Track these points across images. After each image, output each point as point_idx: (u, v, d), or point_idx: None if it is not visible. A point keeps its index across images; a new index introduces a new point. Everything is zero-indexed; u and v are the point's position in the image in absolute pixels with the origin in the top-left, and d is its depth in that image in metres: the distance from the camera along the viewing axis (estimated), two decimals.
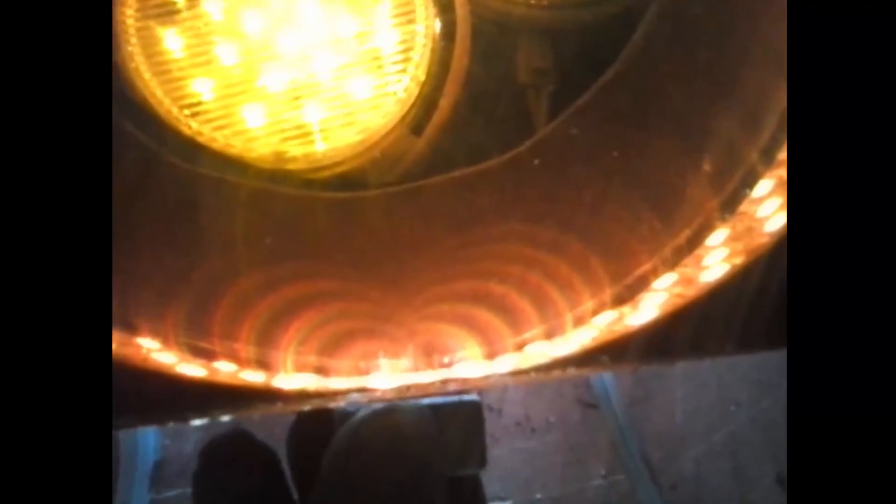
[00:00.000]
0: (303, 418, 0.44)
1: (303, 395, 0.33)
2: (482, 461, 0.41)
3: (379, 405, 0.36)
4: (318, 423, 0.40)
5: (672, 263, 0.44)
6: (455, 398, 0.40)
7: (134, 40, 0.44)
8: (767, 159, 0.44)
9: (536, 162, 0.43)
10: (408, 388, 0.34)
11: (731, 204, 0.44)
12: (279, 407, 0.32)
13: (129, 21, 0.44)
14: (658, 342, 0.35)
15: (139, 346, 0.37)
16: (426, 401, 0.38)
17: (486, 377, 0.35)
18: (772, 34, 0.44)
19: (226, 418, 0.32)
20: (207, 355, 0.39)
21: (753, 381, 1.06)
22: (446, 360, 0.38)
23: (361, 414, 0.37)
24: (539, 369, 0.34)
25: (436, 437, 0.37)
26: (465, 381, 0.35)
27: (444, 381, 0.34)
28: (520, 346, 0.42)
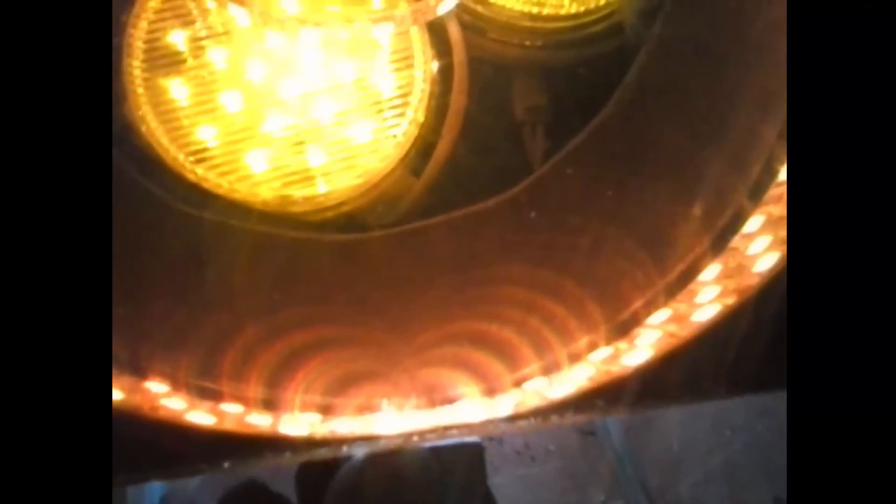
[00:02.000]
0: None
1: (310, 444, 0.34)
2: (485, 501, 0.42)
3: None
4: (323, 463, 0.41)
5: (665, 299, 0.45)
6: (456, 440, 0.40)
7: (141, 90, 0.45)
8: (756, 197, 0.46)
9: (533, 214, 0.44)
10: (411, 435, 0.35)
11: (721, 240, 0.45)
12: (287, 457, 0.33)
13: (136, 72, 0.45)
14: (652, 385, 0.36)
15: (148, 392, 0.38)
16: (428, 444, 0.39)
17: (487, 422, 0.36)
18: (760, 79, 0.46)
19: (235, 469, 0.33)
20: (215, 397, 0.39)
21: (748, 407, 1.06)
22: (447, 400, 0.39)
23: (362, 456, 0.38)
24: (538, 414, 0.35)
25: (437, 480, 0.38)
26: (467, 426, 0.36)
27: (447, 428, 0.35)
28: (518, 383, 0.43)
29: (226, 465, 0.32)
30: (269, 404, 0.39)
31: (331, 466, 0.40)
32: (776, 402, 0.92)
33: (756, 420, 1.04)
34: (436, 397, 0.40)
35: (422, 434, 0.34)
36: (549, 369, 0.43)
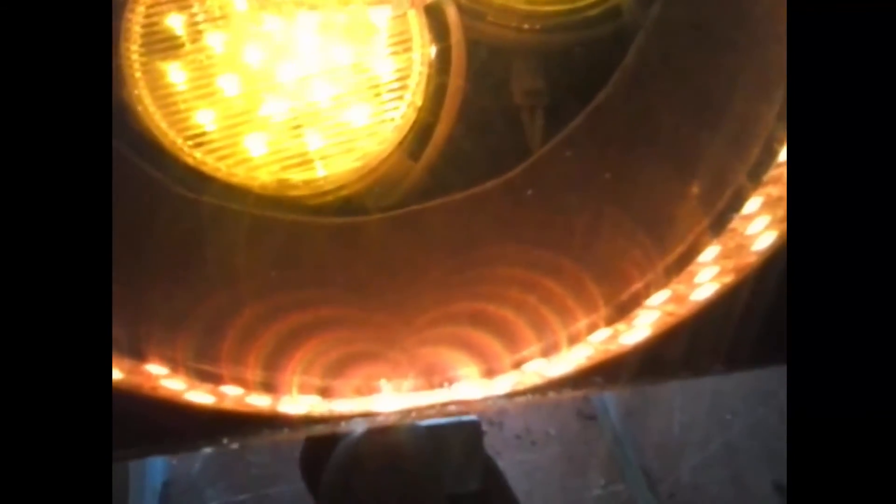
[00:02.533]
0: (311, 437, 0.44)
1: (308, 420, 0.34)
2: (481, 479, 0.42)
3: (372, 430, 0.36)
4: (325, 441, 0.41)
5: (665, 280, 0.45)
6: (454, 419, 0.41)
7: (138, 74, 0.45)
8: (755, 179, 0.45)
9: (530, 192, 0.44)
10: (409, 411, 0.35)
11: (720, 222, 0.45)
12: (285, 433, 0.33)
13: (134, 56, 0.45)
14: (650, 362, 0.37)
15: (148, 374, 0.38)
16: (425, 421, 0.39)
17: (485, 399, 0.36)
18: (760, 60, 0.46)
19: (234, 446, 0.34)
20: (215, 380, 0.40)
21: (748, 390, 1.06)
22: (446, 381, 0.39)
23: (359, 432, 0.38)
24: (536, 391, 0.35)
25: (432, 457, 0.38)
26: (465, 403, 0.36)
27: (445, 405, 0.35)
28: (518, 365, 0.43)
29: (224, 441, 0.33)
30: (268, 386, 0.39)
31: (332, 447, 0.40)
32: (777, 386, 0.93)
33: (757, 404, 1.05)
34: (434, 379, 0.41)
35: (420, 410, 0.35)
36: (548, 350, 0.43)
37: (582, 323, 0.44)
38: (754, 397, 1.05)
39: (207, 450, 0.33)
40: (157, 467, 1.08)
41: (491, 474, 0.46)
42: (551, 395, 0.35)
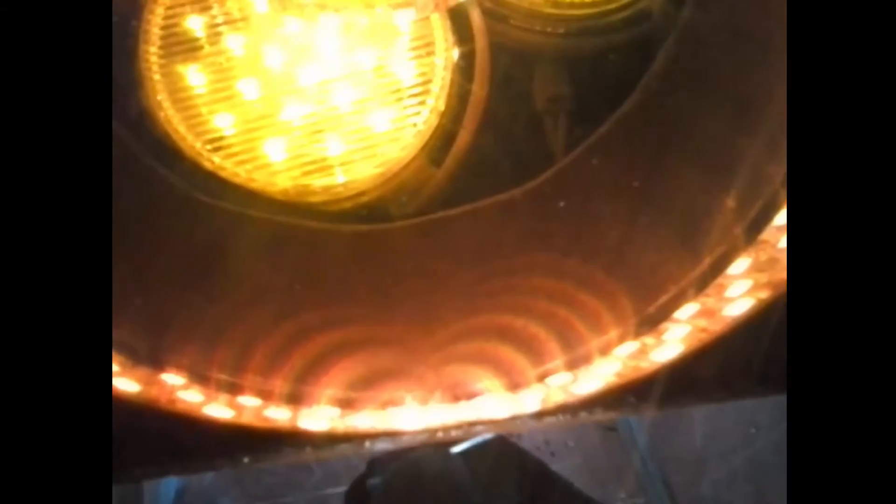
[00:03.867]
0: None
1: (331, 438, 0.33)
2: (518, 488, 0.41)
3: (404, 463, 0.36)
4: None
5: (694, 292, 0.44)
6: (478, 440, 0.40)
7: (157, 77, 0.44)
8: (786, 189, 0.44)
9: (562, 204, 0.43)
10: (435, 431, 0.34)
11: (751, 232, 0.44)
12: (308, 452, 0.32)
13: (153, 59, 0.45)
14: (683, 380, 0.35)
15: (165, 385, 0.37)
16: (454, 449, 0.38)
17: (514, 418, 0.35)
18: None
19: (255, 464, 0.32)
20: (233, 390, 0.39)
21: (773, 404, 1.04)
22: (470, 395, 0.37)
23: (388, 475, 0.37)
24: (565, 409, 0.34)
25: (465, 482, 0.37)
26: (492, 422, 0.35)
27: (472, 424, 0.34)
28: (542, 378, 0.42)
29: (245, 460, 0.32)
30: (289, 398, 0.38)
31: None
32: None
33: (781, 418, 1.02)
34: (459, 392, 0.39)
35: (446, 430, 0.33)
36: (575, 364, 0.42)
37: (609, 335, 0.43)
38: (779, 411, 1.03)
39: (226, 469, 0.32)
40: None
41: (543, 478, 0.45)
42: (583, 415, 0.33)
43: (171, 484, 1.05)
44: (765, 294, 0.38)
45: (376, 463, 0.48)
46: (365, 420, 0.35)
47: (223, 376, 0.39)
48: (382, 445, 0.32)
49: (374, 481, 0.46)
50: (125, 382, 0.34)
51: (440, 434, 0.33)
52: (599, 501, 0.47)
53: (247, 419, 0.34)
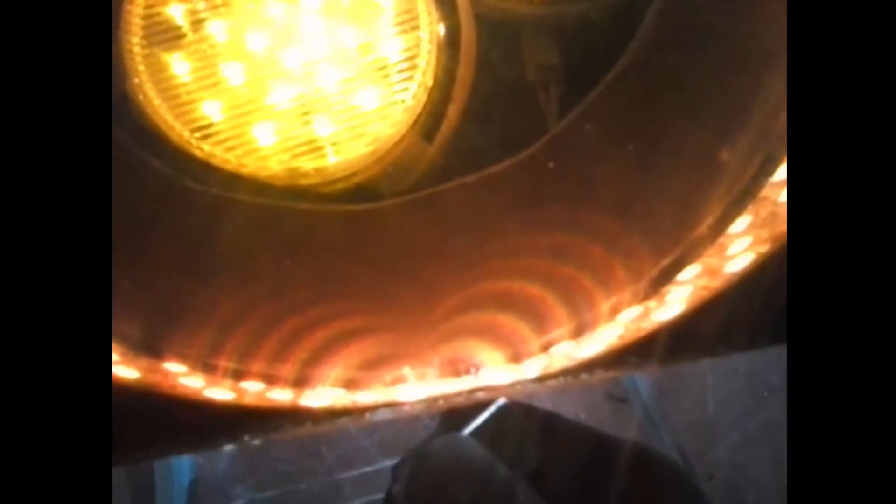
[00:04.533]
0: None
1: (331, 413, 0.33)
2: (537, 446, 0.41)
3: (417, 461, 0.35)
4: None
5: (695, 254, 0.43)
6: (486, 415, 0.39)
7: (142, 67, 0.44)
8: (784, 145, 0.43)
9: (551, 165, 0.42)
10: (436, 399, 0.34)
11: (751, 189, 0.43)
12: (308, 427, 0.32)
13: (136, 49, 0.44)
14: (685, 337, 0.35)
15: (166, 372, 0.37)
16: (466, 431, 0.38)
17: (514, 383, 0.34)
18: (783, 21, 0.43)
19: (256, 442, 0.32)
20: (234, 375, 0.39)
21: (785, 365, 1.03)
22: (472, 367, 0.37)
23: (406, 478, 0.37)
24: (566, 373, 0.34)
25: (483, 460, 0.37)
26: (492, 388, 0.34)
27: (472, 391, 0.34)
28: (545, 348, 0.41)
29: (246, 438, 0.31)
30: (288, 380, 0.38)
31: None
32: None
33: None
34: (460, 366, 0.39)
35: (447, 398, 0.33)
36: (578, 331, 0.42)
37: (612, 301, 0.42)
38: None
39: (229, 447, 0.32)
40: (183, 466, 1.08)
41: (557, 429, 0.45)
42: (583, 377, 0.33)
43: (184, 473, 1.05)
44: (764, 248, 0.38)
45: (396, 469, 0.49)
46: (366, 395, 0.35)
47: (222, 362, 0.38)
48: (383, 416, 0.32)
49: (396, 488, 0.46)
50: (125, 370, 0.34)
51: (441, 402, 0.33)
52: (615, 435, 0.47)
53: (248, 400, 0.34)
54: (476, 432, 0.46)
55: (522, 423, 0.42)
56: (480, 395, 0.34)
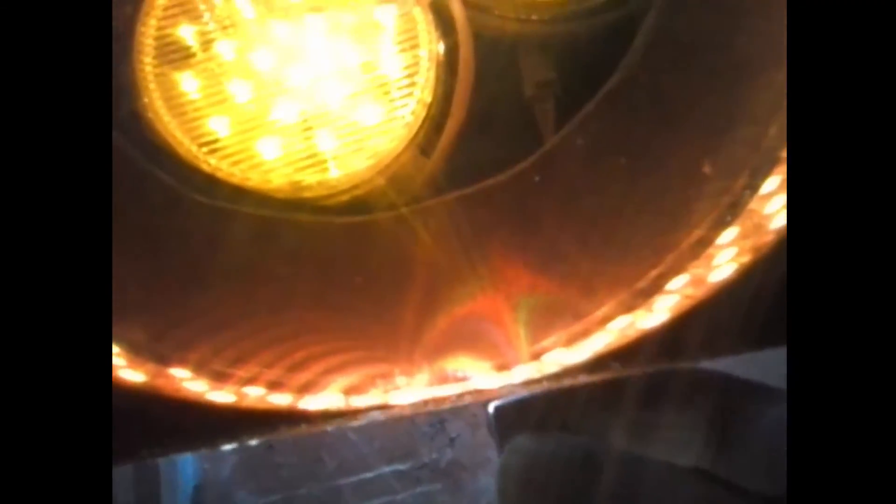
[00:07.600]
0: None
1: (326, 416, 0.35)
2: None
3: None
4: None
5: (684, 264, 0.44)
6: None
7: (153, 86, 0.46)
8: (772, 158, 0.45)
9: (537, 178, 0.44)
10: (425, 402, 0.35)
11: (739, 202, 0.45)
12: (304, 428, 0.34)
13: (148, 69, 0.46)
14: (669, 344, 0.36)
15: (172, 377, 0.39)
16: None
17: (501, 388, 0.36)
18: (773, 35, 0.45)
19: (254, 442, 0.34)
20: (237, 381, 0.40)
21: (778, 376, 1.02)
22: (462, 380, 0.39)
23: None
24: (551, 378, 0.35)
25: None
26: (479, 392, 0.36)
27: (460, 395, 0.35)
28: (537, 356, 0.43)
29: (244, 438, 0.33)
30: (288, 385, 0.40)
31: None
32: None
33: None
34: (450, 377, 0.40)
35: (436, 402, 0.35)
36: (569, 340, 0.43)
37: (600, 312, 0.44)
38: (783, 381, 1.02)
39: (228, 447, 0.34)
40: (188, 472, 1.10)
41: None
42: (566, 381, 0.35)
43: (188, 478, 1.07)
44: (746, 258, 0.39)
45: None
46: (361, 400, 0.37)
47: (226, 369, 0.40)
48: (374, 418, 0.34)
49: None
50: (132, 374, 0.36)
51: (430, 406, 0.35)
52: None
53: (248, 403, 0.36)
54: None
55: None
56: (467, 399, 0.35)
